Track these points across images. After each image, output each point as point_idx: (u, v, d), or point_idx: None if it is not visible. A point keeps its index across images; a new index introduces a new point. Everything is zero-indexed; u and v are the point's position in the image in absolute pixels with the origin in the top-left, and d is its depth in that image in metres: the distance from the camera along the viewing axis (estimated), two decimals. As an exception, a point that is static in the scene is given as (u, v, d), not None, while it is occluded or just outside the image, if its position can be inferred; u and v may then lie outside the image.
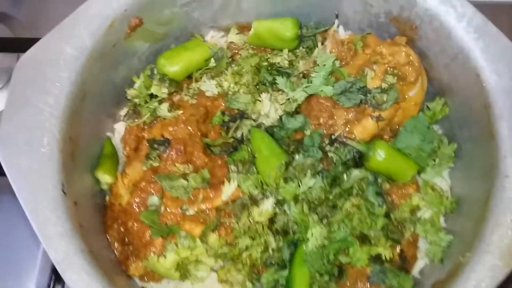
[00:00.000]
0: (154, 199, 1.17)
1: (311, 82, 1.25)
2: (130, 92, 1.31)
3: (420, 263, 1.19)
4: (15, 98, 1.05)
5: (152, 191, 1.17)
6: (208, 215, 1.18)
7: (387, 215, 1.16)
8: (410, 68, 1.21)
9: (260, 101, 1.33)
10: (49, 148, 1.02)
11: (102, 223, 1.21)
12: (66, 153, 1.06)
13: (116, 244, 1.18)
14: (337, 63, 1.27)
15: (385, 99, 1.17)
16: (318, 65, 1.27)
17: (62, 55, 1.09)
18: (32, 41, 1.70)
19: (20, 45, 1.73)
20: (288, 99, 1.30)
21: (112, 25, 1.16)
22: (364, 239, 1.14)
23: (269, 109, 1.32)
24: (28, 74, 1.07)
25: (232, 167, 1.26)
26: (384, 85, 1.19)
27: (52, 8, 1.90)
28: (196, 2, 1.31)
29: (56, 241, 0.95)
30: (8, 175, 0.99)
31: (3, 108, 1.68)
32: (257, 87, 1.35)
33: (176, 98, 1.35)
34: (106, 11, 1.14)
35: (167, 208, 1.16)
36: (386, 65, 1.20)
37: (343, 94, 1.20)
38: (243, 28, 1.44)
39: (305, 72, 1.33)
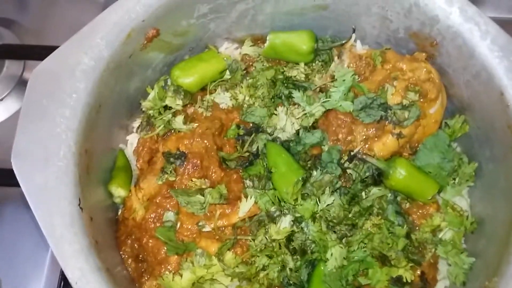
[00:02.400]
0: (170, 215, 1.14)
1: (329, 97, 1.23)
2: (145, 104, 1.28)
3: (440, 286, 1.17)
4: (31, 109, 1.02)
5: (168, 207, 1.14)
6: (224, 232, 1.15)
7: (407, 236, 1.13)
8: (431, 85, 1.19)
9: (276, 114, 1.31)
10: (65, 162, 0.99)
11: (115, 238, 1.18)
12: (82, 167, 1.03)
13: (129, 261, 1.15)
14: (355, 77, 1.25)
15: (406, 116, 1.15)
16: (336, 79, 1.25)
17: (79, 65, 1.06)
18: (39, 48, 1.71)
19: (27, 52, 1.70)
20: (305, 113, 1.28)
21: (130, 36, 1.13)
22: (384, 260, 1.12)
23: (285, 123, 1.30)
24: (44, 84, 1.04)
25: (248, 182, 1.23)
26: (405, 102, 1.17)
27: (58, 14, 1.88)
28: (213, 13, 1.29)
29: (74, 259, 0.92)
30: (24, 191, 0.96)
31: (10, 115, 1.68)
32: (273, 100, 1.33)
33: (190, 110, 1.32)
34: (124, 21, 1.12)
35: (183, 224, 1.13)
36: (407, 82, 1.19)
37: (363, 110, 1.18)
38: (257, 40, 1.43)
39: (322, 86, 1.31)
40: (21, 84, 1.73)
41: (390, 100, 1.19)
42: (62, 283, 1.38)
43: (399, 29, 1.27)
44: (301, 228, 1.16)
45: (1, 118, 1.69)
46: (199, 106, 1.32)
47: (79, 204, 0.98)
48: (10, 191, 1.55)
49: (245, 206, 1.16)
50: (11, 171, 1.47)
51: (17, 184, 1.48)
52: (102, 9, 1.81)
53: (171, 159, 1.18)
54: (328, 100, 1.23)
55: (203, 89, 1.35)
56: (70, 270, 0.91)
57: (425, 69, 1.20)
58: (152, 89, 1.32)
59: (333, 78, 1.30)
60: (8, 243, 1.52)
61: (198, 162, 1.18)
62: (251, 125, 1.31)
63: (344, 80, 1.21)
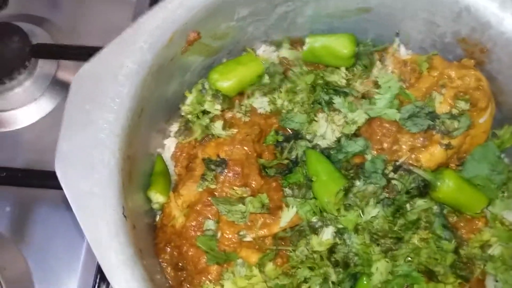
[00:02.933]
0: (210, 223, 1.12)
1: (374, 104, 1.19)
2: (185, 108, 1.26)
3: (487, 302, 1.13)
4: (74, 114, 1.00)
5: (209, 215, 1.12)
6: (264, 242, 1.13)
7: (456, 251, 1.09)
8: (481, 93, 1.15)
9: (316, 121, 1.27)
10: (109, 169, 0.97)
11: (153, 245, 1.16)
12: (125, 173, 1.01)
13: (169, 269, 1.14)
14: (401, 84, 1.21)
15: (456, 126, 1.11)
16: (380, 86, 1.21)
17: (122, 69, 1.05)
18: (73, 48, 1.70)
19: (61, 52, 1.70)
20: (346, 120, 1.24)
21: (172, 39, 1.11)
22: (431, 275, 1.08)
23: (325, 130, 1.26)
24: (86, 89, 1.02)
25: (287, 191, 1.20)
26: (454, 111, 1.13)
27: (90, 13, 1.87)
28: (252, 16, 1.26)
29: (120, 270, 0.90)
30: (68, 197, 0.94)
31: (45, 114, 1.68)
32: (312, 106, 1.30)
33: (228, 115, 1.30)
34: (167, 25, 1.10)
35: (224, 234, 1.11)
36: (456, 90, 1.14)
37: (410, 118, 1.14)
38: (295, 43, 1.39)
39: (364, 92, 1.28)
40: (54, 83, 1.72)
41: (438, 108, 1.15)
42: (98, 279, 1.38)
43: (446, 33, 1.22)
44: (344, 240, 1.13)
45: (35, 117, 1.69)
46: (237, 111, 1.29)
47: (123, 212, 0.96)
48: (46, 193, 1.55)
49: (287, 216, 1.13)
50: (45, 173, 1.49)
51: (52, 186, 1.49)
52: (134, 9, 1.85)
53: (212, 166, 1.16)
54: (373, 108, 1.19)
55: (241, 93, 1.32)
56: (117, 281, 0.89)
57: (474, 77, 1.16)
58: (190, 93, 1.30)
59: (375, 84, 1.27)
60: (43, 244, 1.53)
61: (239, 169, 1.15)
62: (290, 131, 1.28)
63: (390, 87, 1.17)
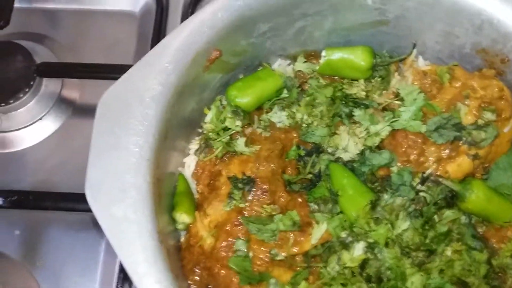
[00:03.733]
0: (240, 243, 1.10)
1: (398, 116, 1.19)
2: (206, 126, 1.24)
3: (520, 311, 1.13)
4: (102, 138, 0.98)
5: (239, 235, 1.10)
6: (295, 260, 1.11)
7: (488, 261, 1.10)
8: (505, 103, 1.16)
9: (337, 134, 1.27)
10: (142, 193, 0.95)
11: (180, 267, 1.14)
12: (156, 196, 0.99)
13: (198, 290, 1.11)
14: (423, 95, 1.21)
15: (483, 137, 1.12)
16: (403, 97, 1.21)
17: (148, 91, 1.02)
18: (79, 66, 1.67)
19: (66, 70, 1.67)
20: (368, 132, 1.24)
21: (195, 59, 1.10)
22: (464, 286, 1.08)
23: (347, 143, 1.26)
24: (113, 112, 1.00)
25: (313, 206, 1.20)
26: (480, 122, 1.14)
27: (93, 29, 1.83)
28: (271, 31, 1.26)
29: (163, 300, 0.87)
30: (102, 226, 0.91)
31: (50, 134, 1.64)
32: (332, 119, 1.29)
33: (248, 130, 1.28)
34: (190, 44, 1.08)
35: (255, 253, 1.09)
36: (480, 100, 1.15)
37: (437, 130, 1.14)
38: (310, 56, 1.39)
39: (384, 104, 1.27)
40: (59, 102, 1.69)
41: (463, 119, 1.15)
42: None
43: (466, 45, 1.23)
44: (375, 254, 1.12)
45: (41, 137, 1.65)
46: (257, 127, 1.28)
47: (158, 238, 0.93)
48: (56, 215, 1.52)
49: (318, 232, 1.12)
50: (58, 195, 1.46)
51: (65, 208, 1.46)
52: (138, 23, 1.83)
53: (239, 185, 1.14)
54: (397, 120, 1.19)
55: (259, 108, 1.31)
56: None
57: (497, 87, 1.16)
58: (209, 110, 1.28)
59: (396, 95, 1.27)
60: (55, 267, 1.49)
61: (267, 187, 1.14)
62: (311, 145, 1.27)
63: (415, 99, 1.17)
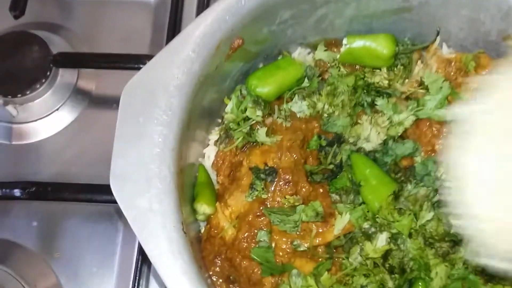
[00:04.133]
0: (262, 234, 1.09)
1: (423, 105, 1.17)
2: (227, 116, 1.23)
3: (547, 301, 1.12)
4: (126, 128, 0.97)
5: (262, 226, 1.09)
6: (317, 251, 1.10)
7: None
8: (532, 92, 1.13)
9: (360, 123, 1.25)
10: (167, 183, 0.94)
11: (201, 258, 1.13)
12: (180, 187, 0.98)
13: (220, 281, 1.10)
14: (448, 84, 1.19)
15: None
16: (427, 86, 1.19)
17: (172, 80, 1.01)
18: (95, 56, 1.66)
19: (83, 60, 1.66)
20: (391, 122, 1.22)
21: (219, 47, 1.08)
22: (489, 277, 1.06)
23: (369, 132, 1.24)
24: (138, 101, 0.99)
25: (334, 196, 1.18)
26: (507, 110, 1.11)
27: (108, 19, 1.81)
28: (293, 19, 1.24)
29: (190, 291, 0.87)
30: (126, 216, 0.91)
31: (67, 124, 1.63)
32: (354, 108, 1.27)
33: (268, 120, 1.27)
34: (214, 32, 1.06)
35: (277, 244, 1.08)
36: (507, 89, 1.12)
37: (463, 119, 1.12)
38: (330, 45, 1.37)
39: (408, 92, 1.25)
40: (76, 93, 1.68)
41: (490, 108, 1.12)
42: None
43: (492, 31, 1.20)
44: (398, 245, 1.10)
45: (58, 128, 1.64)
46: (278, 117, 1.26)
47: (183, 229, 0.93)
48: (73, 206, 1.51)
49: (341, 223, 1.11)
50: (76, 186, 1.45)
51: (83, 200, 1.46)
52: (153, 13, 1.80)
53: (261, 175, 1.13)
54: (422, 109, 1.17)
55: (279, 97, 1.30)
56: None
57: (524, 75, 1.14)
58: (229, 100, 1.27)
59: (419, 84, 1.25)
60: (73, 258, 1.48)
61: (290, 177, 1.12)
62: (332, 135, 1.25)
63: (441, 88, 1.15)
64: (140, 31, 1.77)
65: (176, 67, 1.02)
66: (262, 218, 1.10)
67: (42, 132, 1.64)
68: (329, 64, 1.34)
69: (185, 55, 1.03)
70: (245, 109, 1.23)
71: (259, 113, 1.24)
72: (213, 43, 1.06)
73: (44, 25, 1.78)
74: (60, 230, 1.51)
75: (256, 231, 1.10)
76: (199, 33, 1.05)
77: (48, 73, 1.62)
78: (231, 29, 1.08)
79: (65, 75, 1.68)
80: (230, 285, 1.10)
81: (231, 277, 1.11)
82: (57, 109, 1.65)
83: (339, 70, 1.33)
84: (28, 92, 1.60)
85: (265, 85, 1.25)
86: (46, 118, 1.64)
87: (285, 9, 1.18)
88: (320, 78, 1.32)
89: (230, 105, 1.26)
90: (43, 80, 1.61)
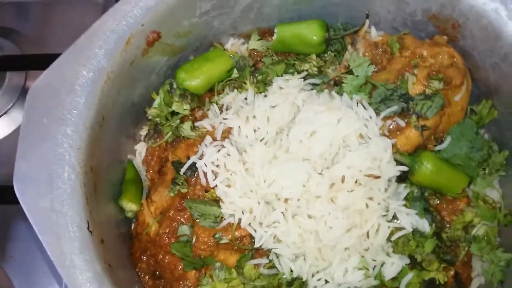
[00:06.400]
0: (184, 229, 1.08)
1: (342, 90, 1.15)
2: (151, 112, 1.22)
3: (475, 283, 1.10)
4: (31, 129, 0.96)
5: (182, 220, 1.08)
6: (242, 242, 1.09)
7: (437, 235, 1.06)
8: (455, 71, 1.10)
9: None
10: (70, 184, 0.94)
11: (129, 255, 1.13)
12: (88, 186, 0.98)
13: (146, 278, 1.10)
14: (372, 67, 1.17)
15: (429, 106, 1.07)
16: (352, 70, 1.17)
17: (77, 79, 1.00)
18: (40, 57, 1.65)
19: (28, 62, 1.65)
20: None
21: (129, 42, 1.07)
22: (414, 263, 1.05)
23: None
24: (43, 102, 0.98)
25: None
26: (428, 91, 1.09)
27: (58, 20, 1.81)
28: (216, 10, 1.22)
29: (86, 288, 0.86)
30: (29, 217, 0.91)
31: (16, 128, 1.63)
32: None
33: (198, 113, 1.26)
34: (122, 28, 1.05)
35: (199, 238, 1.07)
36: (429, 69, 1.10)
37: (383, 102, 1.10)
38: (265, 34, 1.35)
39: (336, 78, 1.23)
40: (24, 94, 1.65)
41: (411, 90, 1.10)
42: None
43: (417, 11, 1.18)
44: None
45: (7, 131, 1.64)
46: (208, 109, 1.25)
47: (88, 228, 0.92)
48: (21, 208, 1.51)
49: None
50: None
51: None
52: (102, 11, 1.79)
53: (181, 169, 1.12)
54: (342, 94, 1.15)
55: (211, 90, 1.28)
56: (84, 300, 0.86)
57: (447, 54, 1.11)
58: (157, 95, 1.26)
59: (347, 69, 1.23)
60: (25, 259, 1.49)
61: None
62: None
63: (358, 76, 1.13)
64: (89, 29, 1.77)
65: (81, 65, 1.01)
66: (182, 213, 1.09)
67: (-9, 135, 1.65)
68: (263, 54, 1.33)
69: (91, 53, 1.02)
70: (171, 103, 1.22)
71: (187, 106, 1.22)
72: (122, 39, 1.05)
73: (-7, 29, 1.78)
74: (11, 232, 1.52)
75: (177, 225, 1.09)
76: (106, 29, 1.03)
77: (-6, 77, 1.62)
78: (142, 23, 1.07)
79: (13, 78, 1.67)
80: (156, 281, 1.10)
81: (156, 273, 1.11)
82: (6, 112, 1.65)
83: (272, 59, 1.31)
84: (-26, 97, 1.61)
85: (194, 78, 1.24)
86: (-5, 121, 1.65)
87: (203, 1, 1.16)
88: (253, 68, 1.31)
89: (157, 100, 1.25)
90: (-10, 84, 1.62)
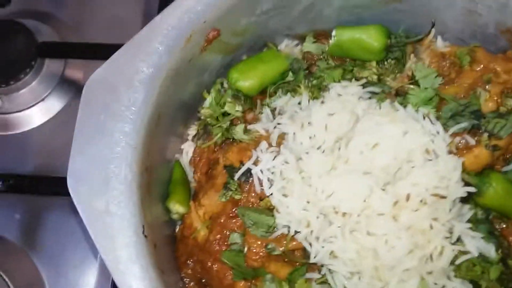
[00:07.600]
0: (235, 237, 1.04)
1: (407, 102, 1.09)
2: (204, 112, 1.17)
3: (538, 314, 1.04)
4: (87, 125, 0.92)
5: (234, 228, 1.04)
6: (294, 255, 1.04)
7: (503, 261, 1.00)
8: (530, 89, 1.05)
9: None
10: (127, 185, 0.89)
11: (174, 258, 1.08)
12: (143, 187, 0.93)
13: (192, 284, 1.06)
14: (439, 79, 1.11)
15: (503, 125, 1.01)
16: (418, 81, 1.11)
17: (137, 74, 0.95)
18: (81, 46, 1.61)
19: (67, 50, 1.62)
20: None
21: (190, 39, 1.02)
22: (477, 288, 0.99)
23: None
24: (99, 97, 0.93)
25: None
26: (502, 109, 1.03)
27: (97, 7, 1.76)
28: (275, 9, 1.16)
29: (143, 297, 0.82)
30: (84, 220, 0.86)
31: (52, 115, 1.59)
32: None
33: (249, 115, 1.20)
34: (184, 24, 1.00)
35: (251, 247, 1.02)
36: (502, 86, 1.04)
37: (453, 118, 1.04)
38: (320, 36, 1.29)
39: (399, 88, 1.18)
40: (62, 82, 1.64)
41: (483, 106, 1.05)
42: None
43: (489, 24, 1.12)
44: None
45: (43, 119, 1.61)
46: (260, 112, 1.20)
47: (143, 232, 0.88)
48: (56, 199, 1.48)
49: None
50: (54, 179, 1.42)
51: (61, 193, 1.42)
52: (144, 2, 1.74)
53: (235, 174, 1.07)
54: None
55: (262, 92, 1.23)
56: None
57: (522, 71, 1.05)
58: (209, 94, 1.21)
59: (410, 79, 1.17)
60: (55, 251, 1.46)
61: (266, 178, 1.06)
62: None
63: (426, 89, 1.07)
64: (130, 20, 1.72)
65: (141, 60, 0.96)
66: (235, 220, 1.05)
67: (27, 123, 1.61)
68: (317, 57, 1.27)
69: (152, 48, 0.97)
70: (224, 104, 1.17)
71: (239, 108, 1.18)
72: (183, 35, 1.00)
73: (31, 13, 1.73)
74: (43, 223, 1.49)
75: (228, 233, 1.04)
76: (168, 24, 0.99)
77: (33, 63, 1.58)
78: (204, 20, 1.02)
79: (51, 65, 1.64)
80: (203, 288, 1.06)
81: (203, 280, 1.06)
82: (43, 100, 1.61)
83: (327, 63, 1.25)
84: (12, 82, 1.57)
85: (247, 78, 1.19)
86: (32, 109, 1.61)
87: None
88: (307, 71, 1.25)
89: (208, 100, 1.20)
90: (28, 70, 1.57)
